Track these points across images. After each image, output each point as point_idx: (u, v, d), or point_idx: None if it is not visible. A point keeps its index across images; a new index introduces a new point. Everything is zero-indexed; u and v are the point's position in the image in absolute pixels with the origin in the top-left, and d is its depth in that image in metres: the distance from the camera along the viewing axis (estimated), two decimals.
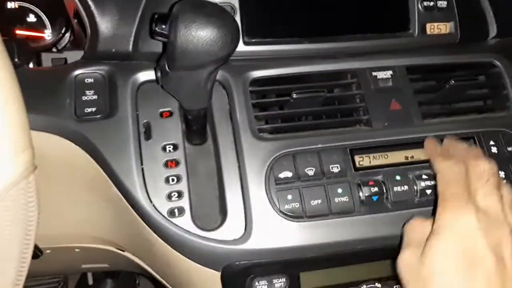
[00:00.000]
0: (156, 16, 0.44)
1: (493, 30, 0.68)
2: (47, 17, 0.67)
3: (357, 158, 0.54)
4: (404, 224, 0.48)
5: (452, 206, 0.42)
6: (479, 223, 0.40)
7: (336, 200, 0.51)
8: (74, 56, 0.60)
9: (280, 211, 0.50)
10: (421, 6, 0.63)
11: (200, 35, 0.41)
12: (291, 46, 0.60)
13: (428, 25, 0.64)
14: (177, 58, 0.44)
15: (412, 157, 0.55)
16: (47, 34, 0.68)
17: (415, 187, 0.53)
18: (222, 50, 0.43)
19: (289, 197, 0.51)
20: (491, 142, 0.57)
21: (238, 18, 0.58)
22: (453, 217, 0.41)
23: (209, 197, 0.53)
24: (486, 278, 0.38)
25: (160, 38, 0.44)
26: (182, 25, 0.41)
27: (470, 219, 0.40)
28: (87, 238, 0.63)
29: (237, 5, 0.58)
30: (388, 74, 0.59)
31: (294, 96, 0.55)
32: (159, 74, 0.49)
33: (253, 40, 0.59)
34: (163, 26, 0.43)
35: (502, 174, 0.56)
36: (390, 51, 0.61)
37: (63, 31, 0.68)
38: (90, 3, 0.54)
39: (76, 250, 0.66)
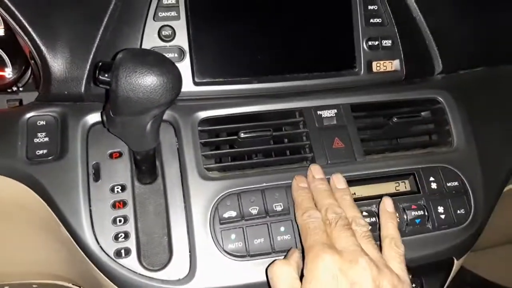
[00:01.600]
0: (99, 64, 0.46)
1: (438, 66, 0.71)
2: (7, 56, 0.69)
3: None
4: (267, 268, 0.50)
5: (313, 253, 0.46)
6: (336, 265, 0.44)
7: (279, 238, 0.53)
8: (30, 97, 0.62)
9: (224, 251, 0.52)
10: (366, 45, 0.66)
11: (140, 83, 0.43)
12: (241, 86, 0.62)
13: (374, 63, 0.66)
14: (119, 105, 0.46)
15: (354, 193, 0.58)
16: (8, 73, 0.69)
17: None
18: (163, 97, 0.45)
19: (233, 236, 0.53)
20: (431, 178, 0.60)
21: (188, 60, 0.60)
22: (314, 265, 0.45)
23: (157, 236, 0.54)
24: None
25: (102, 85, 0.46)
26: (123, 74, 0.43)
27: (328, 263, 0.45)
28: (43, 274, 0.64)
29: (186, 47, 0.60)
30: (332, 112, 0.61)
31: (242, 135, 0.57)
32: (104, 119, 0.51)
33: (204, 81, 0.61)
34: (106, 75, 0.45)
35: (441, 209, 0.58)
36: (336, 90, 0.64)
37: (23, 70, 0.69)
38: (42, 47, 0.56)
39: (34, 286, 0.66)
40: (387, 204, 0.55)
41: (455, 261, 0.62)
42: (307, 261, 0.46)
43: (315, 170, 0.56)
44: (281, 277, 0.47)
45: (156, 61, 0.45)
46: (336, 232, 0.48)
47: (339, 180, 0.55)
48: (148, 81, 0.43)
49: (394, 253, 0.50)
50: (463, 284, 1.13)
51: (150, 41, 0.59)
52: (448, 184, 0.60)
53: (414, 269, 0.56)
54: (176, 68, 0.46)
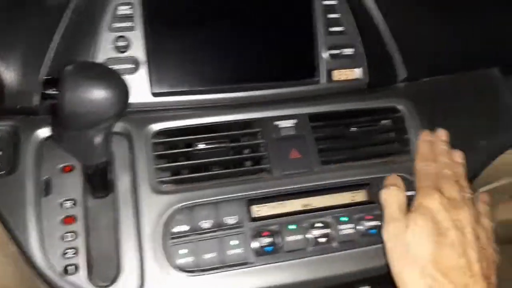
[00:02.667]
0: (45, 79, 0.45)
1: (403, 74, 0.70)
2: None
3: (254, 208, 0.56)
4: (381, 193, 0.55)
5: (424, 193, 0.54)
6: (443, 204, 0.52)
7: (231, 252, 0.53)
8: None
9: (175, 266, 0.52)
10: (327, 54, 0.65)
11: (86, 97, 0.43)
12: (200, 96, 0.61)
13: (335, 72, 0.66)
14: (66, 120, 0.45)
15: (310, 204, 0.57)
16: None
17: (308, 236, 0.55)
18: (109, 111, 0.44)
19: (184, 251, 0.52)
20: None
21: (144, 71, 0.59)
22: (424, 199, 0.53)
23: (108, 252, 0.54)
24: (450, 245, 0.50)
25: (49, 100, 0.45)
26: (69, 89, 0.43)
27: (437, 200, 0.52)
28: None
29: (143, 58, 0.59)
30: (291, 123, 0.61)
31: (197, 147, 0.57)
32: (53, 133, 0.50)
33: (162, 91, 0.60)
34: (52, 89, 0.45)
35: None
36: (296, 99, 0.63)
37: None
38: None
39: None
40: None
41: None
42: (418, 197, 0.54)
43: (442, 132, 0.63)
44: (394, 198, 0.54)
45: (102, 74, 0.45)
46: (447, 184, 0.55)
47: (459, 155, 0.62)
48: (93, 95, 0.43)
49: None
50: None
51: (105, 52, 0.59)
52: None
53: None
54: (122, 81, 0.45)
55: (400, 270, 0.50)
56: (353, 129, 0.62)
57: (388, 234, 0.53)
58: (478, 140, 0.70)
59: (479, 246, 0.51)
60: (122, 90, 0.45)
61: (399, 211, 0.53)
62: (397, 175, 0.58)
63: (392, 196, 0.55)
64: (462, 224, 0.51)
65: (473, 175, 0.67)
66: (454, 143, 0.65)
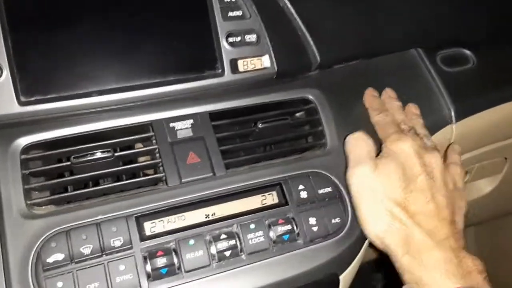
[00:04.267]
0: None
1: (315, 60, 0.64)
2: None
3: (147, 225, 0.48)
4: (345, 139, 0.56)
5: (394, 137, 0.54)
6: (415, 148, 0.52)
7: (118, 279, 0.45)
8: None
9: None
10: (227, 42, 0.58)
11: None
12: (79, 101, 0.52)
13: (239, 62, 0.59)
14: None
15: (214, 214, 0.51)
16: None
17: (211, 250, 0.48)
18: None
19: (59, 284, 0.44)
20: (300, 186, 0.54)
21: (7, 77, 0.50)
22: (397, 144, 0.53)
23: None
24: (420, 190, 0.51)
25: None
26: None
27: (409, 144, 0.52)
28: None
29: (5, 63, 0.50)
30: (188, 123, 0.54)
31: (73, 160, 0.49)
32: None
33: (32, 99, 0.51)
34: None
35: (312, 220, 0.52)
36: (195, 97, 0.56)
37: None
38: None
39: None
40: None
41: (340, 276, 0.56)
42: (386, 143, 0.54)
43: (390, 90, 0.63)
44: (363, 143, 0.54)
45: None
46: (410, 134, 0.55)
47: (413, 106, 0.62)
48: None
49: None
50: None
51: None
52: (320, 191, 0.54)
53: None
54: None
55: (367, 214, 0.51)
56: (261, 125, 0.56)
57: (355, 178, 0.52)
58: None
59: (447, 191, 0.52)
60: None
61: (367, 155, 0.53)
62: None
63: (360, 141, 0.54)
64: (431, 170, 0.52)
65: None
66: (375, 132, 0.60)
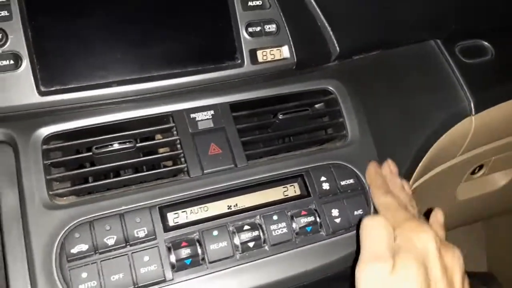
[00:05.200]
0: None
1: (335, 50, 0.63)
2: None
3: (170, 216, 0.48)
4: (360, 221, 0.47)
5: (410, 226, 0.45)
6: (435, 243, 0.44)
7: (143, 270, 0.45)
8: None
9: None
10: (247, 32, 0.57)
11: None
12: (99, 91, 0.52)
13: (259, 52, 0.58)
14: None
15: (236, 205, 0.50)
16: None
17: (235, 241, 0.48)
18: None
19: (84, 275, 0.44)
20: (323, 178, 0.53)
21: (27, 67, 0.49)
22: (419, 236, 0.44)
23: None
24: None
25: None
26: None
27: (429, 237, 0.44)
28: None
29: (24, 52, 0.49)
30: (208, 114, 0.54)
31: (95, 150, 0.48)
32: None
33: (52, 89, 0.51)
34: None
35: (335, 212, 0.52)
36: (215, 87, 0.56)
37: None
38: None
39: None
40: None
41: None
42: (403, 231, 0.45)
43: (391, 164, 0.57)
44: (382, 231, 0.45)
45: None
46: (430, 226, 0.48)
47: (406, 184, 0.57)
48: None
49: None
50: None
51: None
52: (342, 183, 0.53)
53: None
54: None
55: None
56: (281, 116, 0.55)
57: (367, 276, 0.43)
58: (421, 116, 0.65)
59: None
60: None
61: (387, 248, 0.44)
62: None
63: (380, 229, 0.45)
64: (451, 273, 0.45)
65: (416, 155, 0.62)
66: (395, 122, 0.60)
